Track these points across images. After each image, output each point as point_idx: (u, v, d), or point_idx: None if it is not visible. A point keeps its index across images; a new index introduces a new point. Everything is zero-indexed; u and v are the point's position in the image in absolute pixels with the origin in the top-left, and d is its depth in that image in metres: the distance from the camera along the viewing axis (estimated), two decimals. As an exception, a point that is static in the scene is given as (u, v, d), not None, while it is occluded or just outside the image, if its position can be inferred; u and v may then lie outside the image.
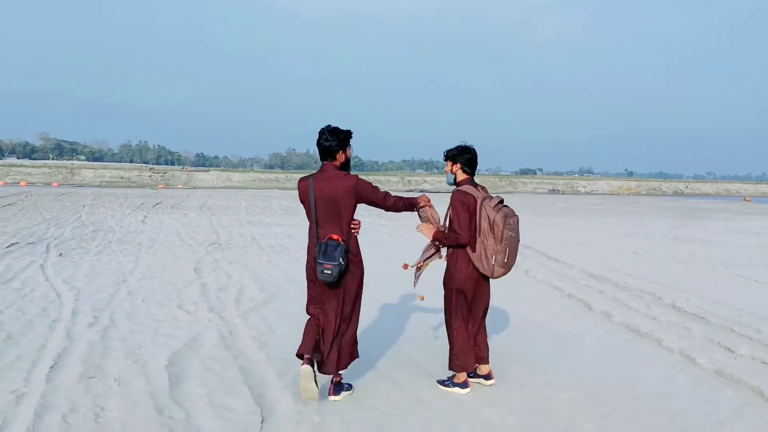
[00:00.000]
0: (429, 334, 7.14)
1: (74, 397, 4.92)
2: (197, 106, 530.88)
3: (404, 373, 5.79)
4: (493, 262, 5.14)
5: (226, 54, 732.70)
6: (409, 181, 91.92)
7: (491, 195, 5.33)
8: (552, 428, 4.62)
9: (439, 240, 5.31)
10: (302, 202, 5.11)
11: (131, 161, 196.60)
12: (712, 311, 8.35)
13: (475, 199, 5.21)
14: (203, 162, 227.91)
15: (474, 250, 5.19)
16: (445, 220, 5.38)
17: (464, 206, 5.19)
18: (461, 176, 5.41)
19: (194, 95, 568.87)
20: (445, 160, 5.46)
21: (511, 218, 5.11)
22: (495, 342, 6.90)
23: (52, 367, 5.59)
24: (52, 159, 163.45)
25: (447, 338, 5.49)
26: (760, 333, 7.24)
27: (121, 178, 70.55)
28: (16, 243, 13.75)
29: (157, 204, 29.10)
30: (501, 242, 5.09)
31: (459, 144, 5.42)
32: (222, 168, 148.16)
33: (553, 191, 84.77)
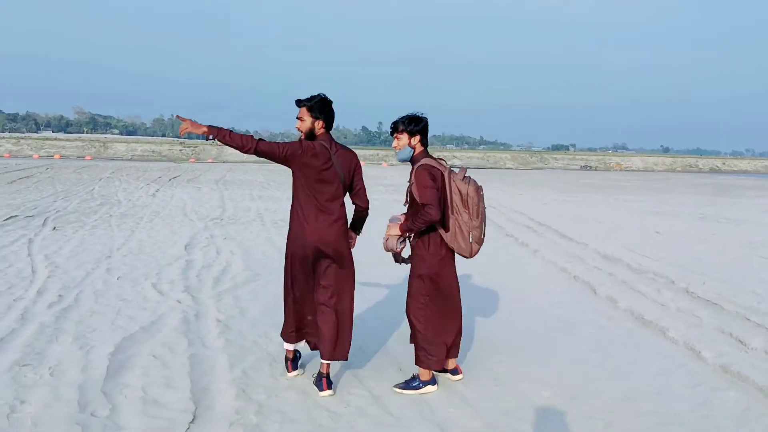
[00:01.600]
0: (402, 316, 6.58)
1: (-4, 388, 4.50)
2: (231, 80, 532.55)
3: (369, 363, 5.27)
4: (471, 240, 4.65)
5: (258, 26, 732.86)
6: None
7: (452, 167, 4.80)
8: (519, 434, 4.06)
9: (408, 228, 4.62)
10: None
11: (163, 135, 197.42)
12: (727, 297, 7.68)
13: (441, 172, 4.65)
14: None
15: (447, 229, 4.64)
16: (407, 201, 4.77)
17: (432, 179, 4.56)
18: (419, 149, 4.77)
19: (228, 69, 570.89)
20: (398, 133, 4.73)
21: (481, 190, 4.69)
22: (484, 328, 6.36)
23: (-12, 352, 5.18)
24: (86, 132, 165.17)
25: (411, 332, 4.84)
26: (778, 323, 6.56)
27: (153, 151, 70.82)
28: (15, 216, 13.48)
29: (174, 177, 28.85)
30: (477, 217, 4.62)
31: (409, 114, 4.75)
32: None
33: (585, 167, 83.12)
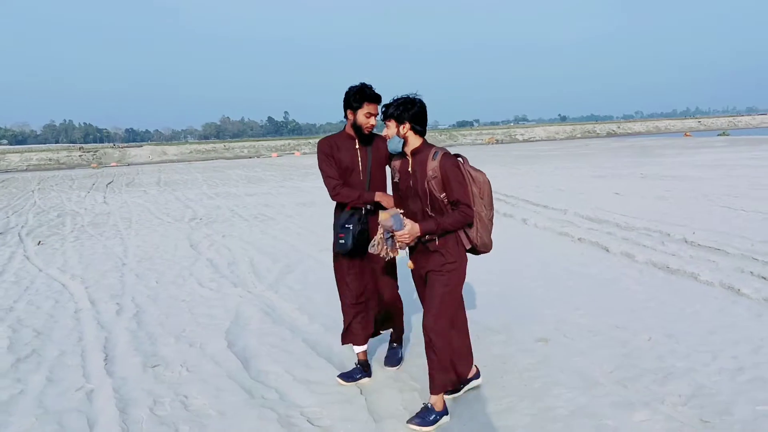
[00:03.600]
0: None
1: (149, 387, 4.64)
2: (121, 81, 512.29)
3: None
4: (492, 235, 4.12)
5: (149, 25, 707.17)
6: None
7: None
8: (647, 371, 4.57)
9: (441, 229, 3.87)
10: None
11: (57, 142, 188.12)
12: (724, 242, 8.47)
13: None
14: (134, 137, 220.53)
15: (471, 225, 4.03)
16: (426, 198, 3.94)
17: (462, 172, 3.94)
18: (414, 140, 4.00)
19: (117, 69, 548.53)
20: (386, 119, 4.00)
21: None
22: (540, 290, 6.84)
23: (105, 359, 5.26)
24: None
25: (446, 349, 3.99)
26: (786, 259, 7.39)
27: (50, 160, 67.25)
28: (-16, 235, 12.98)
29: (110, 183, 28.01)
30: (491, 208, 4.07)
31: (402, 96, 3.98)
32: (155, 142, 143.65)
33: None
